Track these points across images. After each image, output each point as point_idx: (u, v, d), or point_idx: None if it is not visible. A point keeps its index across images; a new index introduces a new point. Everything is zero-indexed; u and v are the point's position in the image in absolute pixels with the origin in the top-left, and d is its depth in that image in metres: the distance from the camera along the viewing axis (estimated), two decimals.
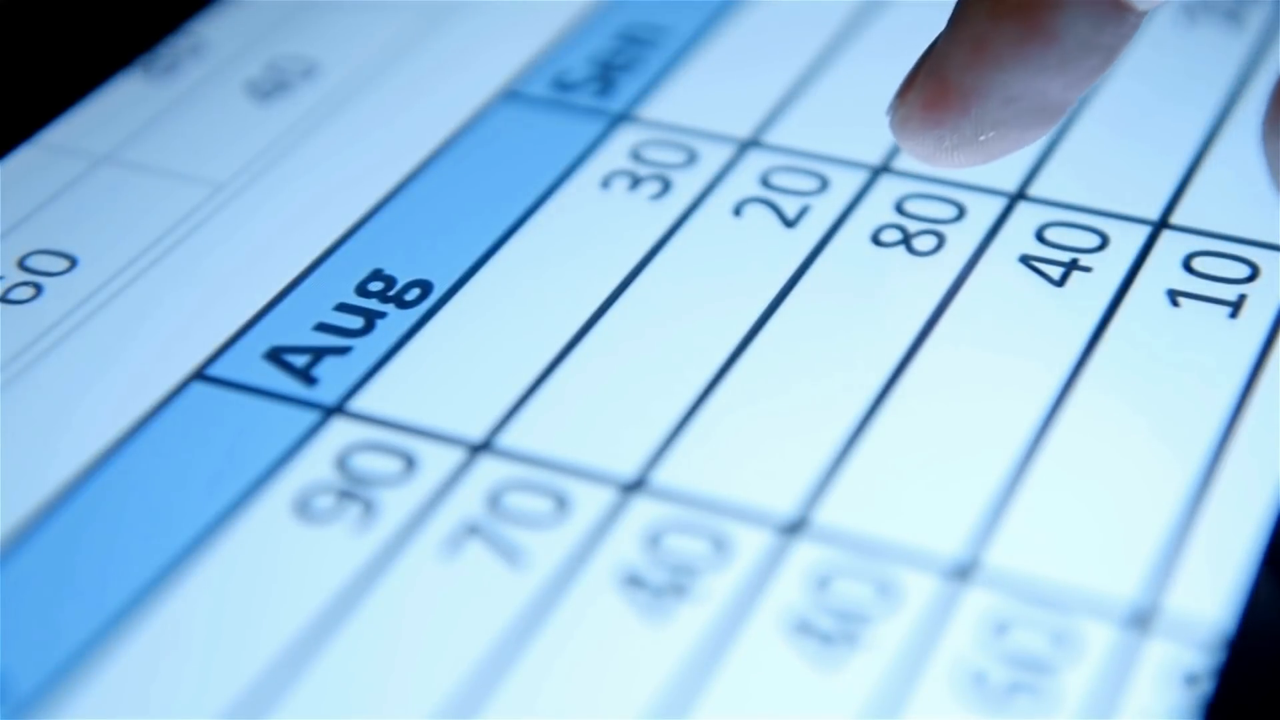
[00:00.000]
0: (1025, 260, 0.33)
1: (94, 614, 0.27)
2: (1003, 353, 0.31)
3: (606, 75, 0.38)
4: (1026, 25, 0.29)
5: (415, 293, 0.33)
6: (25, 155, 0.37)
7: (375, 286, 0.33)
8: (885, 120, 0.34)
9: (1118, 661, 0.26)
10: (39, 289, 0.33)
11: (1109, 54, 0.29)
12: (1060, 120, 0.31)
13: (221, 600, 0.28)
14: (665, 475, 0.29)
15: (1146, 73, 0.38)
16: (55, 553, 0.28)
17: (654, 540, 0.28)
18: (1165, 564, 0.28)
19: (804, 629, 0.27)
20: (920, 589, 0.27)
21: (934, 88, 0.30)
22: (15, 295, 0.33)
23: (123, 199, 0.36)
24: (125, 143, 0.37)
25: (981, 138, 0.30)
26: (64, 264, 0.34)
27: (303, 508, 0.29)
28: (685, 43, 0.39)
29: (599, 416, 0.30)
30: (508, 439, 0.30)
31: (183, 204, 0.35)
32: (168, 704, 0.26)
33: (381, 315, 0.32)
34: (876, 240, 0.34)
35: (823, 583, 0.27)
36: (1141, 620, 0.27)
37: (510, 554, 0.28)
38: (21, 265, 0.34)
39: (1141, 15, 0.29)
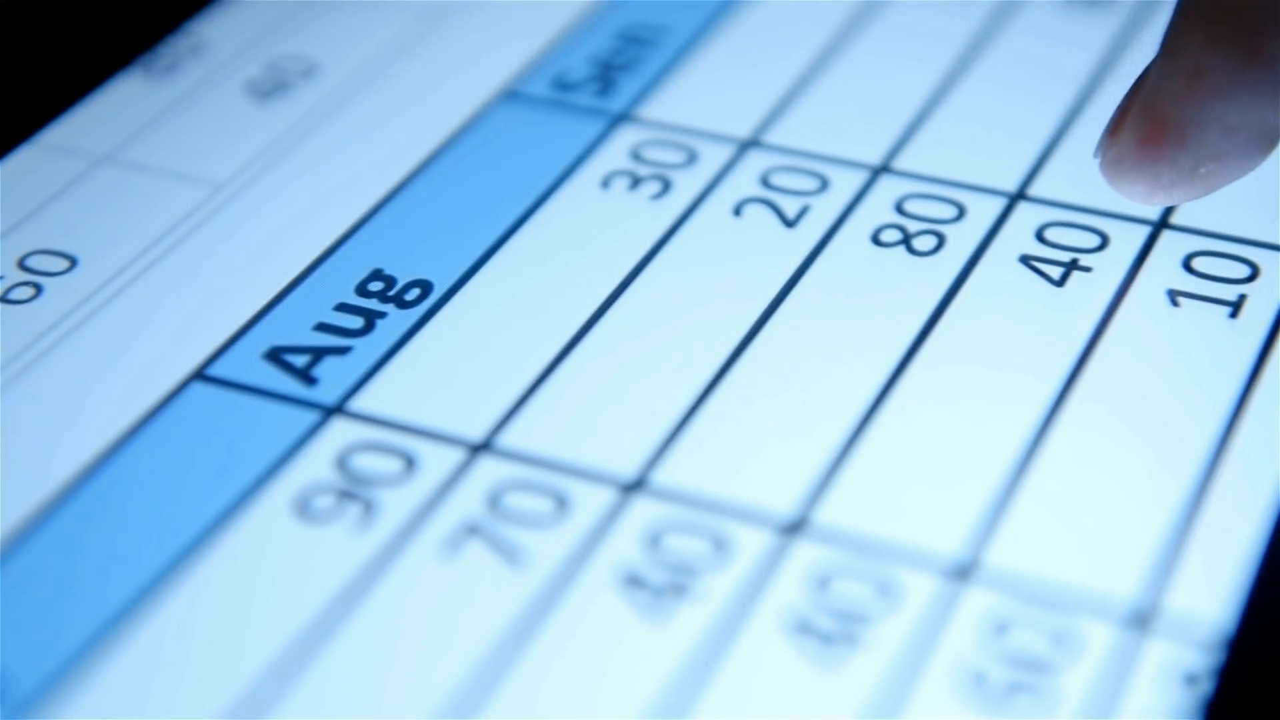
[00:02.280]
0: (1025, 260, 0.33)
1: (94, 614, 0.27)
2: (1003, 352, 0.31)
3: (606, 75, 0.38)
4: (1246, 50, 0.28)
5: (415, 293, 0.33)
6: (25, 155, 0.37)
7: (375, 286, 0.33)
8: (888, 123, 0.34)
9: (1118, 661, 0.26)
10: (39, 289, 0.33)
11: None
12: None
13: (221, 600, 0.28)
14: (665, 475, 0.29)
15: None
16: (55, 553, 0.28)
17: (654, 540, 0.28)
18: (1165, 564, 0.28)
19: (804, 629, 0.27)
20: (920, 589, 0.27)
21: (1150, 122, 0.29)
22: (15, 295, 0.33)
23: (123, 199, 0.36)
24: (125, 143, 0.37)
25: (1202, 170, 0.29)
26: (64, 264, 0.34)
27: (303, 508, 0.29)
28: (685, 43, 0.39)
29: (599, 416, 0.30)
30: (508, 439, 0.30)
31: (183, 204, 0.35)
32: (168, 704, 0.26)
33: (381, 315, 0.32)
34: (876, 240, 0.34)
35: (823, 583, 0.27)
36: (1141, 620, 0.27)
37: (510, 554, 0.28)
38: (21, 265, 0.34)
39: None
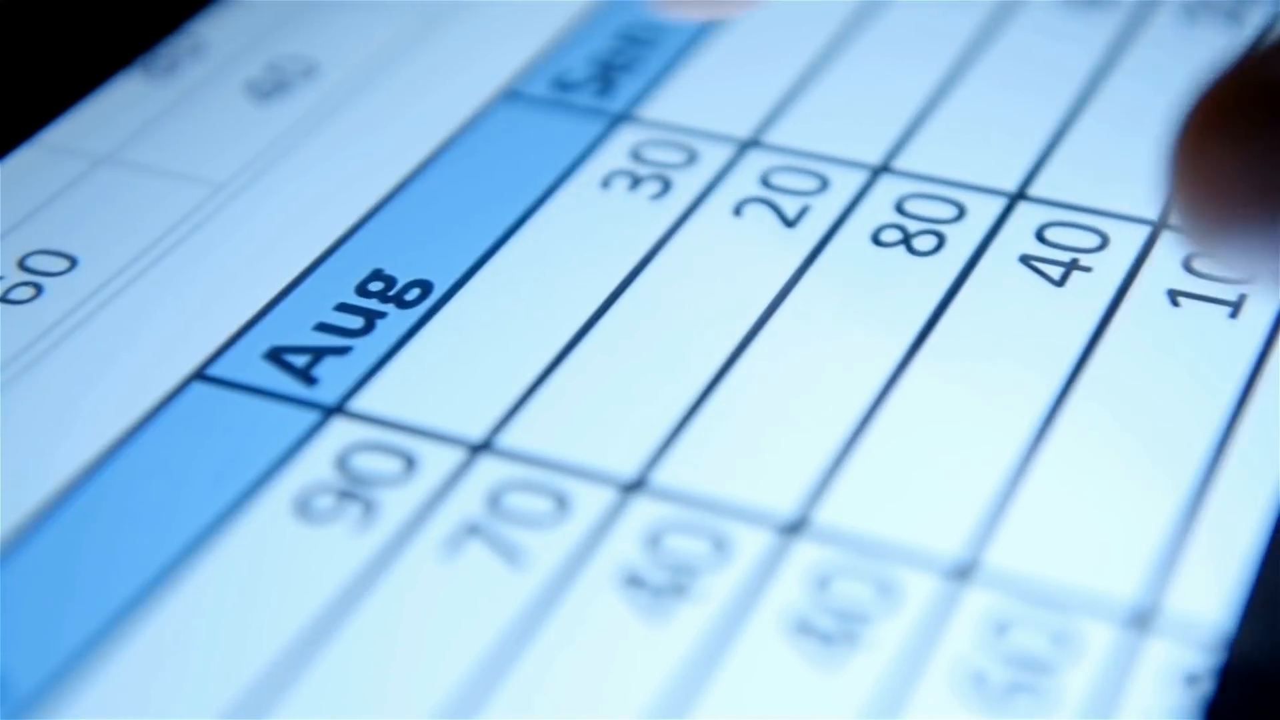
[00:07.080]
0: (1026, 260, 0.33)
1: (94, 613, 0.27)
2: (1003, 352, 0.31)
3: (606, 75, 0.38)
4: None
5: (415, 292, 0.33)
6: (25, 155, 0.37)
7: (375, 286, 0.33)
8: (888, 123, 0.34)
9: (1118, 662, 0.26)
10: (39, 289, 0.33)
11: None
12: None
13: (221, 600, 0.28)
14: (665, 475, 0.29)
15: (1146, 72, 0.38)
16: (55, 553, 0.28)
17: (654, 540, 0.28)
18: (1165, 564, 0.28)
19: (804, 629, 0.27)
20: (920, 589, 0.27)
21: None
22: (15, 295, 0.33)
23: (123, 199, 0.36)
24: (125, 143, 0.37)
25: None
26: (64, 264, 0.34)
27: (303, 507, 0.29)
28: (685, 43, 0.39)
29: (599, 416, 0.30)
30: (508, 439, 0.30)
31: (183, 204, 0.35)
32: (168, 704, 0.26)
33: (381, 315, 0.32)
34: (877, 240, 0.34)
35: (823, 582, 0.27)
36: (1142, 620, 0.27)
37: (510, 553, 0.28)
38: (21, 265, 0.34)
39: None
